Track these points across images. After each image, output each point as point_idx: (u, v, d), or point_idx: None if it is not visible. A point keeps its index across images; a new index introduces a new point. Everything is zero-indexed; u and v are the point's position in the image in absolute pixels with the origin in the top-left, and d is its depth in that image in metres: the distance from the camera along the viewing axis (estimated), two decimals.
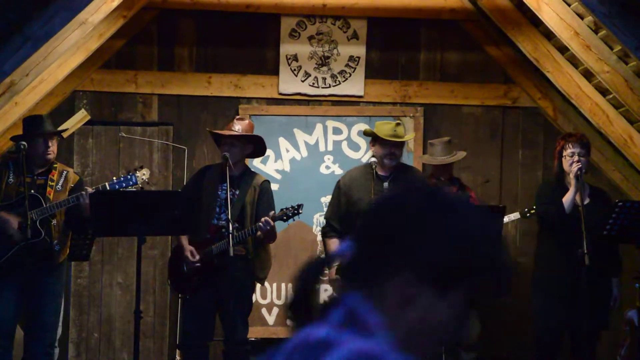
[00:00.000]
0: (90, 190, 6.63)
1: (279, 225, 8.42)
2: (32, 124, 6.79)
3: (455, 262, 1.98)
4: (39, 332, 6.69)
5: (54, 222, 6.68)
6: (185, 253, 6.85)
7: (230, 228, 6.49)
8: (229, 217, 6.56)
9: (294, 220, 6.94)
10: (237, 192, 6.92)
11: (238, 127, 6.96)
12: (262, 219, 6.68)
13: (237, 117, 7.17)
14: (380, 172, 6.77)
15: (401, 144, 6.84)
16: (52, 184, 6.74)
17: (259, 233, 6.77)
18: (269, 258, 7.07)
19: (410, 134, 7.04)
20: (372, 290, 1.97)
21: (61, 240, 6.73)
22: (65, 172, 6.85)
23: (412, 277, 1.96)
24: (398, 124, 6.85)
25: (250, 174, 7.07)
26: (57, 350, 7.09)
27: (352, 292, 1.97)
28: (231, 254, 6.42)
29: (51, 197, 6.69)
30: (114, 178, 6.79)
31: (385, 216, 2.01)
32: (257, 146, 7.07)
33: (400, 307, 1.96)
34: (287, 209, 6.83)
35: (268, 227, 6.70)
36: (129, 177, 6.77)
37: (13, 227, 6.54)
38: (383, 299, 1.97)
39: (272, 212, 6.77)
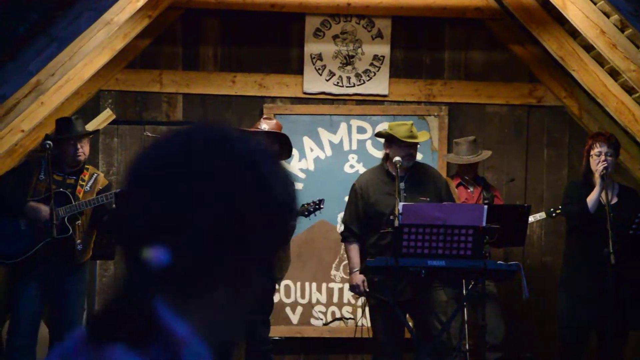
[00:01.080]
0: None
1: (303, 225, 8.43)
2: (61, 126, 6.85)
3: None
4: (62, 331, 6.73)
5: (79, 222, 6.72)
6: None
7: None
8: None
9: (315, 215, 6.92)
10: None
11: (264, 126, 6.96)
12: None
13: (264, 116, 7.16)
14: (394, 173, 6.73)
15: (416, 145, 6.80)
16: (83, 183, 6.80)
17: None
18: (287, 258, 7.06)
19: (422, 134, 6.95)
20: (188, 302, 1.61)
21: (84, 240, 6.77)
22: (95, 174, 6.92)
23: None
24: (412, 125, 6.80)
25: None
26: None
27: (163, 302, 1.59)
28: None
29: (80, 196, 6.74)
30: None
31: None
32: (283, 147, 7.05)
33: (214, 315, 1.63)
34: (308, 204, 6.83)
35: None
36: None
37: (45, 216, 6.58)
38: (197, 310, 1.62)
39: None
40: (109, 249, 7.43)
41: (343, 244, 6.89)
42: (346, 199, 8.61)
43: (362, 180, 6.81)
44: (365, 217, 6.69)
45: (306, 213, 6.83)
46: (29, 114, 7.52)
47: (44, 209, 6.58)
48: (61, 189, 6.69)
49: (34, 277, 6.63)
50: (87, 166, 6.93)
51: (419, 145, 6.91)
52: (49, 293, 6.66)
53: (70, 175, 6.81)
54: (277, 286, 7.33)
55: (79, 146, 6.78)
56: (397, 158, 6.70)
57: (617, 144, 6.84)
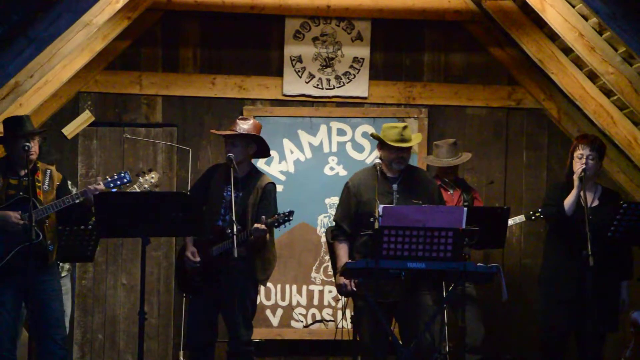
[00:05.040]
0: (74, 190, 6.74)
1: (283, 227, 8.43)
2: (12, 125, 6.76)
3: None
4: (51, 330, 6.68)
5: (47, 223, 6.67)
6: (187, 253, 6.88)
7: (235, 229, 6.49)
8: (233, 218, 6.56)
9: (285, 226, 6.92)
10: (241, 194, 6.92)
11: (240, 127, 6.96)
12: (254, 226, 6.72)
13: (241, 117, 7.16)
14: (388, 174, 6.72)
15: (409, 148, 6.76)
16: (39, 184, 6.73)
17: (251, 236, 6.78)
18: (272, 259, 7.05)
19: (416, 136, 6.92)
20: None
21: (54, 240, 6.74)
22: (48, 170, 6.84)
23: None
24: (405, 127, 6.74)
25: (256, 174, 7.05)
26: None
27: None
28: (235, 255, 6.42)
29: (41, 197, 6.68)
30: (107, 177, 6.78)
31: None
32: (260, 146, 7.06)
33: None
34: (278, 215, 6.83)
35: (262, 234, 6.75)
36: (122, 174, 6.77)
37: (15, 222, 6.52)
38: None
39: (264, 217, 6.78)
40: (88, 251, 7.39)
41: (330, 242, 6.82)
42: (327, 201, 8.65)
43: (356, 179, 6.77)
44: (356, 216, 6.67)
45: (276, 224, 6.83)
46: (7, 116, 7.48)
47: (13, 215, 6.54)
48: (21, 193, 6.62)
49: (10, 283, 6.58)
50: (38, 164, 6.83)
51: (413, 148, 6.86)
52: (27, 297, 6.62)
53: (25, 176, 6.71)
54: (263, 287, 7.30)
55: (31, 144, 6.70)
56: (377, 160, 6.71)
57: (600, 147, 6.85)
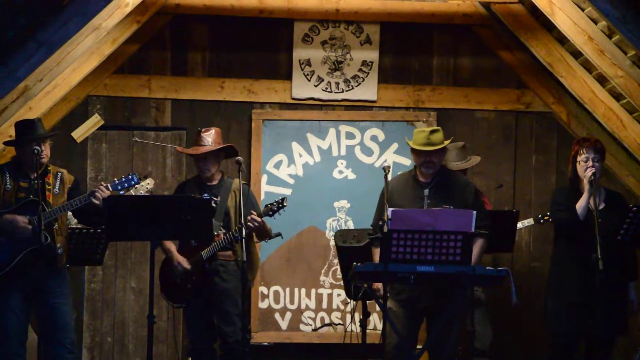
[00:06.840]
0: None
1: (292, 230, 8.44)
2: (24, 128, 6.77)
3: None
4: (60, 334, 6.69)
5: (56, 226, 6.68)
6: (178, 259, 6.99)
7: (244, 233, 6.54)
8: (243, 222, 6.60)
9: (279, 214, 6.96)
10: (218, 200, 7.01)
11: (207, 140, 7.10)
12: (248, 218, 6.81)
13: (203, 130, 7.21)
14: (421, 179, 6.69)
15: (438, 151, 6.67)
16: (50, 187, 6.74)
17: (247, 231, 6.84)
18: (256, 260, 7.18)
19: (446, 140, 6.80)
20: None
21: (63, 243, 6.74)
22: (59, 173, 6.84)
23: None
24: (433, 131, 6.66)
25: (227, 179, 7.21)
26: None
27: None
28: (244, 258, 6.46)
29: (51, 200, 6.68)
30: (115, 179, 6.81)
31: None
32: (228, 152, 7.24)
33: None
34: (271, 204, 6.93)
35: (256, 225, 6.87)
36: (130, 177, 6.80)
37: (23, 226, 6.51)
38: None
39: (253, 211, 6.92)
40: (97, 255, 7.39)
41: (371, 246, 6.77)
42: (335, 204, 8.66)
43: (390, 184, 6.73)
44: None
45: (270, 213, 6.92)
46: (17, 120, 7.50)
47: (21, 219, 6.55)
48: (31, 196, 6.63)
49: (17, 287, 6.58)
50: (49, 167, 6.84)
51: (444, 152, 6.79)
52: (35, 300, 6.63)
53: (36, 180, 6.71)
54: (259, 289, 7.35)
55: (42, 147, 6.71)
56: (386, 164, 6.71)
57: (602, 149, 6.84)
